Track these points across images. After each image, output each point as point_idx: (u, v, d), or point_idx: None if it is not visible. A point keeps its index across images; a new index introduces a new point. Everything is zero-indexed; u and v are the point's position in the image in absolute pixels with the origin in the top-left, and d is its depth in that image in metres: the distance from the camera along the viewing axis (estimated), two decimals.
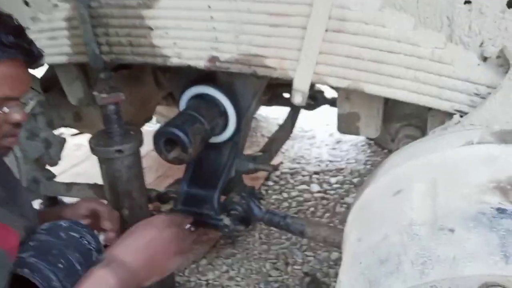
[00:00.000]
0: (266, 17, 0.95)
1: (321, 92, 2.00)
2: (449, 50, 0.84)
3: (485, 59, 0.93)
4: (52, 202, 1.87)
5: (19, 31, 0.80)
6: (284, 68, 0.98)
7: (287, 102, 2.09)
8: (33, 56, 0.82)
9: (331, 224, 1.92)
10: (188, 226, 1.96)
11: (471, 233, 0.55)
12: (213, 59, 1.05)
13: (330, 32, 0.90)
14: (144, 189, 1.43)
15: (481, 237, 0.54)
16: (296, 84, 0.98)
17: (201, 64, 1.07)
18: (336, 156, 2.58)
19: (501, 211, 0.55)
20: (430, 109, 0.97)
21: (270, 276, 1.76)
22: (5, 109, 0.78)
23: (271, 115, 3.05)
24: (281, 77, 1.00)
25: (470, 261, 0.52)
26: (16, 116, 0.80)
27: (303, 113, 2.15)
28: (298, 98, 0.99)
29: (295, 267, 1.79)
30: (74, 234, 0.79)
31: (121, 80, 1.68)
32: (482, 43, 0.92)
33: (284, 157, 2.58)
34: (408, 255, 0.58)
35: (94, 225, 1.01)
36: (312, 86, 1.69)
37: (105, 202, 1.05)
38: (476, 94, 0.83)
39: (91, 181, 1.68)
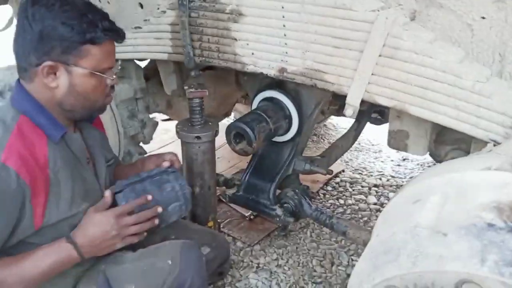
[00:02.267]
0: (330, 39, 1.11)
1: (385, 107, 2.06)
2: (490, 85, 0.92)
3: None
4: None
5: (107, 16, 1.02)
6: (340, 84, 1.13)
7: None
8: (119, 36, 1.04)
9: None
10: (248, 213, 2.18)
11: (460, 239, 0.66)
12: (282, 69, 1.24)
13: (383, 57, 1.03)
14: (214, 173, 1.68)
15: (467, 243, 0.65)
16: (349, 99, 1.12)
17: (272, 72, 1.26)
18: (399, 173, 2.60)
19: (490, 225, 0.66)
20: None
21: (315, 271, 1.89)
22: (109, 76, 1.03)
23: (341, 125, 3.15)
24: (336, 91, 1.15)
25: (453, 260, 0.64)
26: (114, 81, 1.06)
27: (373, 127, 2.24)
28: (349, 112, 1.13)
29: (340, 267, 1.90)
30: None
31: (208, 79, 1.96)
32: None
33: (347, 166, 2.67)
34: (406, 249, 0.70)
35: None
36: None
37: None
38: (511, 127, 0.90)
39: None
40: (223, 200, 1.86)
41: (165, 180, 1.14)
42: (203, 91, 1.49)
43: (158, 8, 1.47)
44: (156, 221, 1.07)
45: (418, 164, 2.68)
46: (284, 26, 1.18)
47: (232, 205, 2.16)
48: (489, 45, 1.00)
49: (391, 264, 0.71)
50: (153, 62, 1.96)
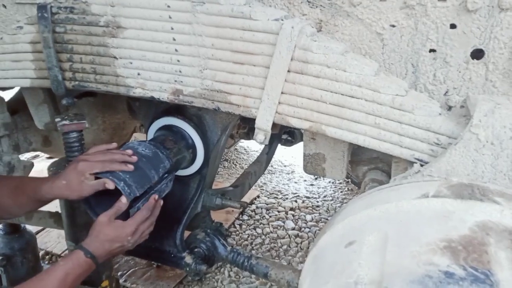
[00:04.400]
0: (230, 54, 0.93)
1: (299, 129, 1.97)
2: (410, 98, 0.82)
3: (449, 108, 0.92)
4: (13, 229, 1.78)
5: None
6: (247, 106, 0.96)
7: None
8: None
9: (303, 265, 1.85)
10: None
11: None
12: (176, 92, 1.02)
13: (292, 73, 0.88)
14: None
15: None
16: (258, 123, 0.95)
17: (165, 96, 1.04)
18: (313, 193, 2.54)
19: (449, 275, 0.52)
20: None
21: None
22: None
23: (252, 148, 3.03)
24: (244, 115, 0.97)
25: None
26: None
27: (283, 147, 2.13)
28: (260, 137, 0.96)
29: None
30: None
31: (93, 107, 1.65)
32: (446, 92, 0.92)
33: (262, 191, 2.53)
34: None
35: None
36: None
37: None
38: (437, 144, 0.81)
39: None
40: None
41: (165, 189, 1.15)
42: (81, 123, 1.20)
43: (15, 22, 1.16)
44: None
45: (330, 182, 2.66)
46: (174, 40, 0.97)
47: None
48: (401, 55, 0.92)
49: None
50: (21, 92, 1.60)
